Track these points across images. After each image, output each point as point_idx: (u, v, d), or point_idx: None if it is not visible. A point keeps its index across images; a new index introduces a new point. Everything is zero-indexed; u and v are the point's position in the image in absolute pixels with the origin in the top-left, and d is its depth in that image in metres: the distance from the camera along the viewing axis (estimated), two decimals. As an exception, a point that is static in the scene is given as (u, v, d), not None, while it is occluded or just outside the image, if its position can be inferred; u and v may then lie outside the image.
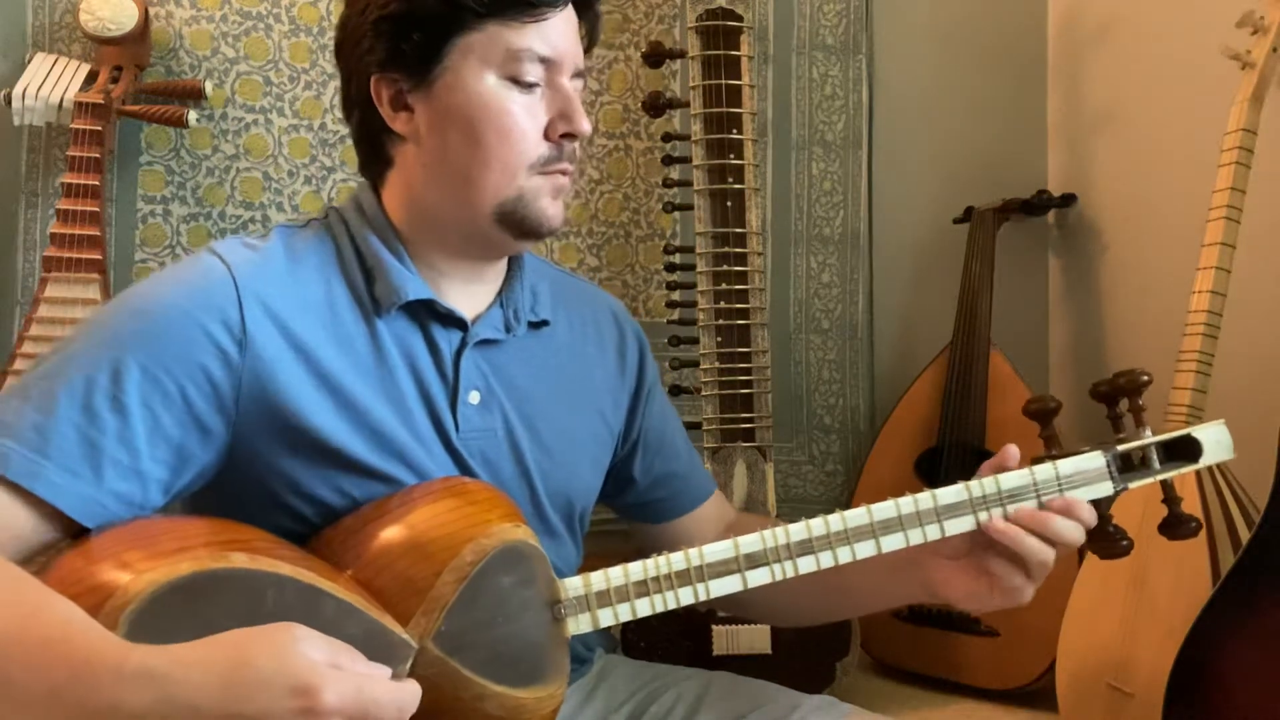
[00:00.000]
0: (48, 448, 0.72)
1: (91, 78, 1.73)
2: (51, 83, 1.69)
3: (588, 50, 0.92)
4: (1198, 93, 1.75)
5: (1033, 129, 2.16)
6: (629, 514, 1.10)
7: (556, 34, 0.86)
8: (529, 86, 0.85)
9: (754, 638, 1.57)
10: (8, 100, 1.67)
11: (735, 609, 1.11)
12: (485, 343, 0.90)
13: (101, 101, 1.66)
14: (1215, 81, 1.60)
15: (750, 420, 1.65)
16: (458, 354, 0.88)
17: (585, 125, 0.87)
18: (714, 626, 1.57)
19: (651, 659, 1.10)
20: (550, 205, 0.88)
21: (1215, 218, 1.46)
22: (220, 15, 1.86)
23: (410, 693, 0.66)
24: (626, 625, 1.54)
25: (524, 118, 0.85)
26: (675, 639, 1.56)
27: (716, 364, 1.65)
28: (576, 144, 0.89)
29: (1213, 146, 1.50)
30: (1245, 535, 1.30)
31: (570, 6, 0.88)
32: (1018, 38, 2.16)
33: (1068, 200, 2.05)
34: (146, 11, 1.75)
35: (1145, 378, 0.89)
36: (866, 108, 2.09)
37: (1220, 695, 1.23)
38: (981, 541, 0.87)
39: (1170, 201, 1.82)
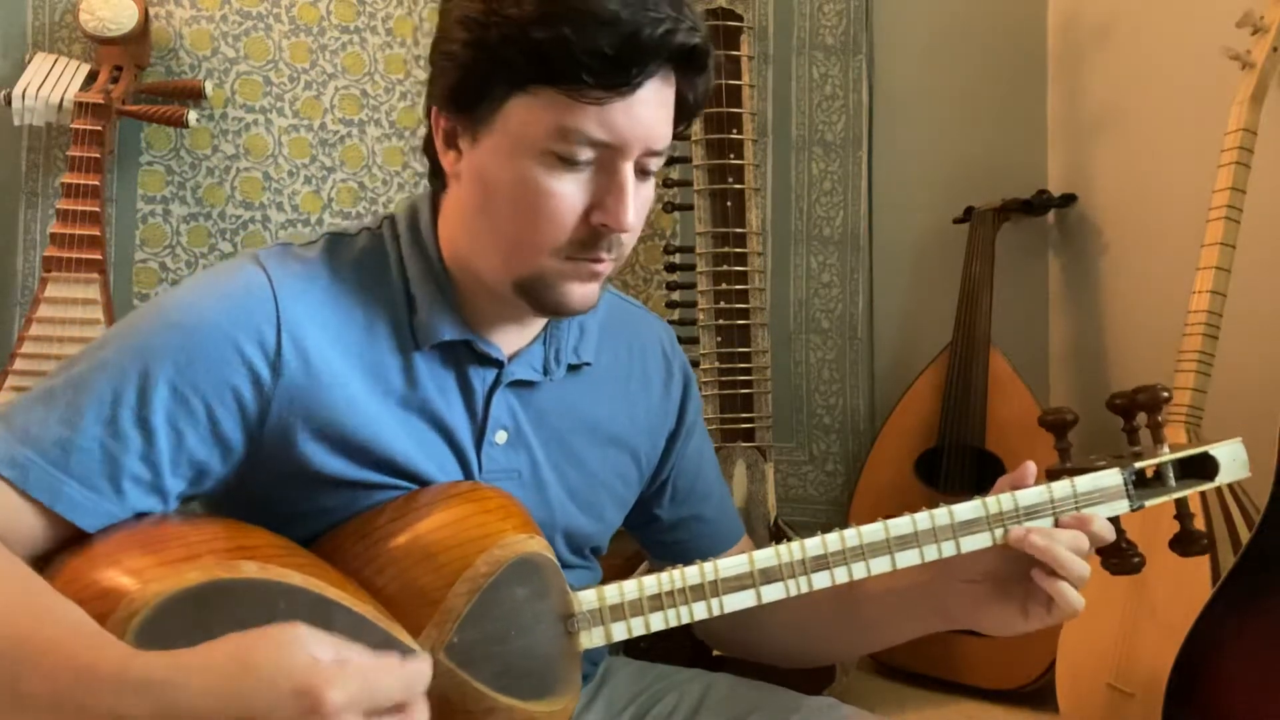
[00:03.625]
0: (69, 463, 0.71)
1: (91, 78, 1.73)
2: (51, 83, 1.69)
3: (688, 115, 0.81)
4: (1198, 93, 1.75)
5: (1033, 129, 2.15)
6: (647, 548, 1.08)
7: (623, 117, 0.75)
8: (577, 164, 0.76)
9: (755, 638, 1.56)
10: (8, 100, 1.67)
11: (746, 648, 1.07)
12: (519, 383, 0.88)
13: (101, 101, 1.66)
14: (1215, 81, 1.60)
15: (750, 420, 1.65)
16: (490, 393, 0.86)
17: (627, 220, 0.77)
18: (715, 627, 1.57)
19: (652, 659, 1.10)
20: (578, 289, 0.80)
21: (1215, 218, 1.46)
22: (220, 15, 1.86)
23: (418, 670, 0.62)
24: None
25: (560, 200, 0.76)
26: (677, 638, 1.55)
27: (716, 364, 1.65)
28: (622, 235, 0.79)
29: (1213, 146, 1.50)
30: (1245, 535, 1.30)
31: (654, 79, 0.76)
32: (1017, 38, 2.15)
33: (1068, 200, 2.05)
34: (146, 11, 1.75)
35: (1165, 394, 0.89)
36: (866, 108, 2.09)
37: (1220, 695, 1.23)
38: (1011, 563, 0.85)
39: (1170, 201, 1.82)
